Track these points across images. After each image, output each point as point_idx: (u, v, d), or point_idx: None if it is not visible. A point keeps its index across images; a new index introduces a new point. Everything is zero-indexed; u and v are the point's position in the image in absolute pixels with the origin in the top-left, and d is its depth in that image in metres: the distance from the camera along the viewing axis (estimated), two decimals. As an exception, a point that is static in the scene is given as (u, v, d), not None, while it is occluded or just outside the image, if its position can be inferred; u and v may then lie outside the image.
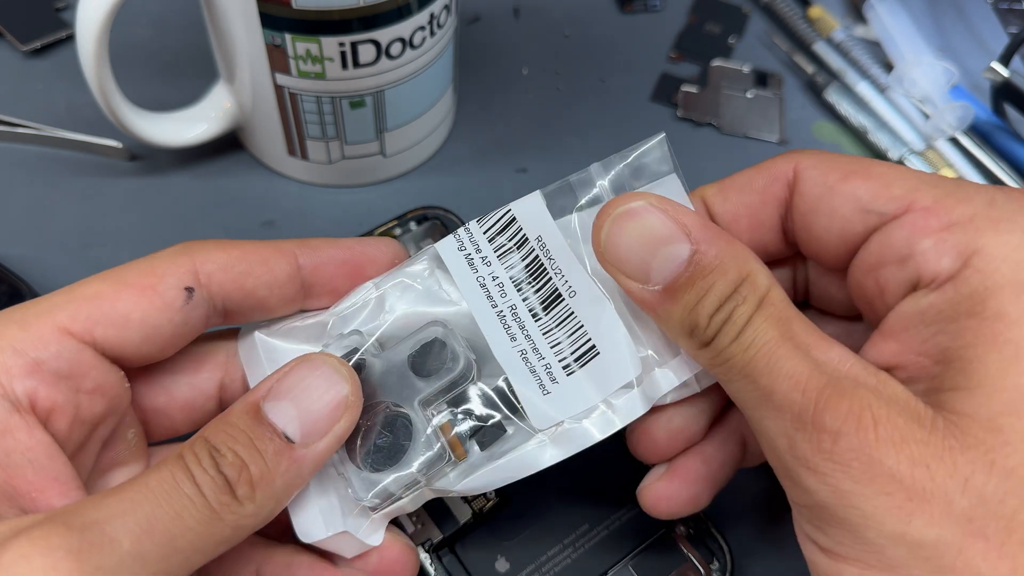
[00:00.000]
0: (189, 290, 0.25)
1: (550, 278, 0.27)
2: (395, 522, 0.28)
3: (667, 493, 0.27)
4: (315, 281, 0.27)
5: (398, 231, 0.37)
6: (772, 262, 0.28)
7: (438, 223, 0.37)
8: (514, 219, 0.27)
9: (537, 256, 0.27)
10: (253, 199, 0.41)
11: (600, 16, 0.49)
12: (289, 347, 0.27)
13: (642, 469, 0.28)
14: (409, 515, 0.30)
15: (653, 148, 0.27)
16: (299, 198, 0.41)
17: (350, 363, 0.26)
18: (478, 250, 0.27)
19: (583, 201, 0.27)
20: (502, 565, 0.29)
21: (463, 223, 0.29)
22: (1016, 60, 0.43)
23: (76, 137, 0.41)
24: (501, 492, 0.30)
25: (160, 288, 0.25)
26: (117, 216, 0.40)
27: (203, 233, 0.39)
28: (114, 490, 0.21)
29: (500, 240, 0.27)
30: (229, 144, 0.42)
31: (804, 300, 0.30)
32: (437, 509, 0.30)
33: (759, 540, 0.32)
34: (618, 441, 0.28)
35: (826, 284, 0.28)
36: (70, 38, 0.45)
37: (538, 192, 0.27)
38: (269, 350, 0.27)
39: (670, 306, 0.24)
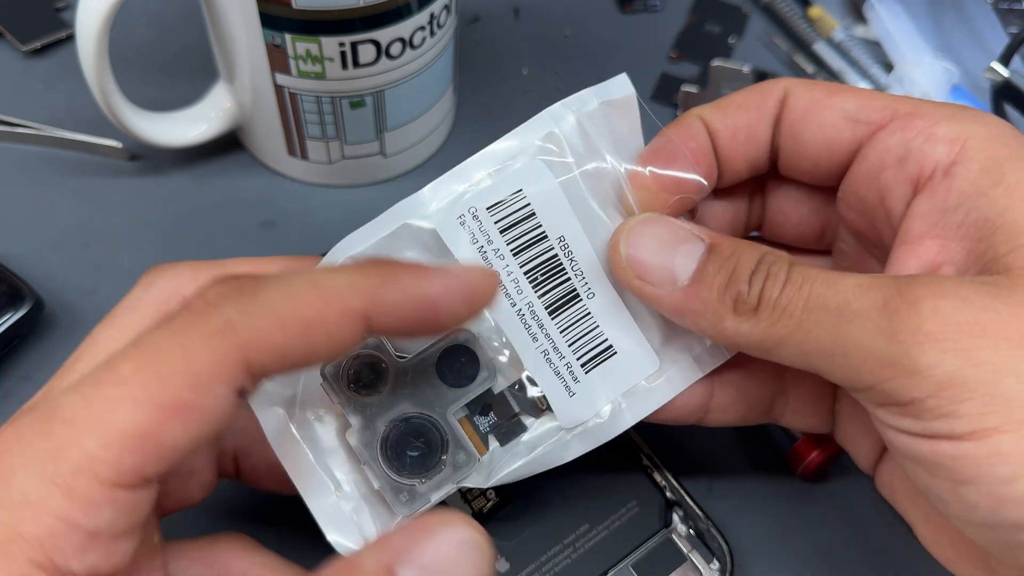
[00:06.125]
0: (241, 392, 0.21)
1: (568, 278, 0.27)
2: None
3: None
4: (381, 331, 0.24)
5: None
6: (729, 191, 0.29)
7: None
8: (528, 204, 0.27)
9: (556, 255, 0.27)
10: (253, 199, 0.41)
11: (600, 16, 0.49)
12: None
13: (641, 471, 0.28)
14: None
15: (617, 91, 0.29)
16: (299, 198, 0.41)
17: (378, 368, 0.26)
18: (489, 241, 0.27)
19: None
20: (502, 565, 0.29)
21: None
22: (1016, 60, 0.43)
23: (76, 137, 0.41)
24: (501, 492, 0.30)
25: (208, 403, 0.20)
26: (117, 216, 0.40)
27: (203, 233, 0.39)
28: None
29: (514, 233, 0.27)
30: (229, 144, 0.42)
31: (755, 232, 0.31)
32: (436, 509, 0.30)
33: (759, 540, 0.32)
34: (618, 441, 0.28)
35: (786, 209, 0.30)
36: (70, 38, 0.45)
37: (548, 171, 0.27)
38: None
39: (704, 294, 0.24)
